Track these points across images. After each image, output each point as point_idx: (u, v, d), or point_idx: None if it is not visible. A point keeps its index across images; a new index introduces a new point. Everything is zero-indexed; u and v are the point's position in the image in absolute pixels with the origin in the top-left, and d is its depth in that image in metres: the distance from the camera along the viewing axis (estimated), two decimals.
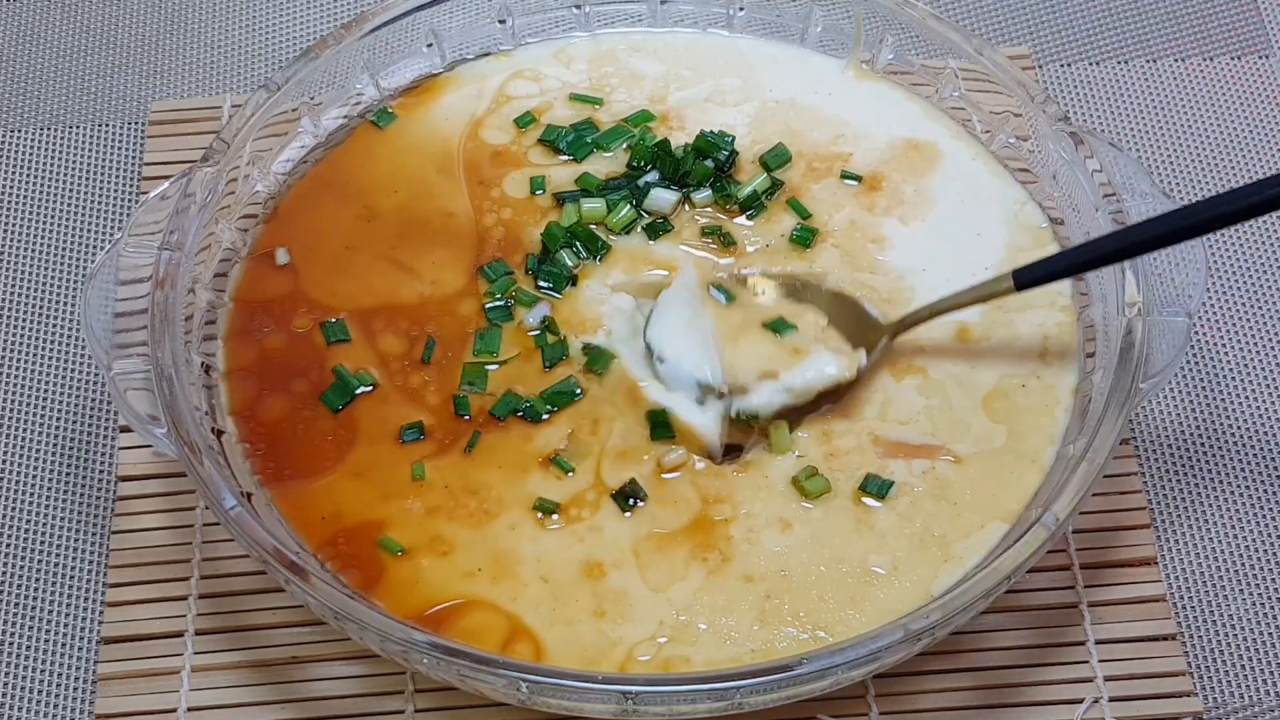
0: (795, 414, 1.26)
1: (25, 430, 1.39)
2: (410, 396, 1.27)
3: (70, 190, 1.53)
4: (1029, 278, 1.23)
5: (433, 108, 1.44)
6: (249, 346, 1.30)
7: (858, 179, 1.38)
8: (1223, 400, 1.40)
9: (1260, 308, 1.45)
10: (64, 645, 1.28)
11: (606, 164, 1.40)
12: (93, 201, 1.53)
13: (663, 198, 1.36)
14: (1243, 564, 1.32)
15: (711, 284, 1.31)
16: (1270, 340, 1.43)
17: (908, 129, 1.41)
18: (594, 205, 1.36)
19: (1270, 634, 1.28)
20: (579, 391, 1.27)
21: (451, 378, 1.28)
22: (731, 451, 1.26)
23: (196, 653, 1.26)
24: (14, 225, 1.51)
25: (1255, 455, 1.37)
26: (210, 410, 1.25)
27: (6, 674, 1.27)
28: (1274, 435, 1.38)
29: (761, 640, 1.16)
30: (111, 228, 1.51)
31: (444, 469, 1.24)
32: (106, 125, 1.58)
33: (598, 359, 1.28)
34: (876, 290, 1.32)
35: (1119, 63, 1.62)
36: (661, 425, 1.25)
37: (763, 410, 1.25)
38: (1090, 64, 1.62)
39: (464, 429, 1.25)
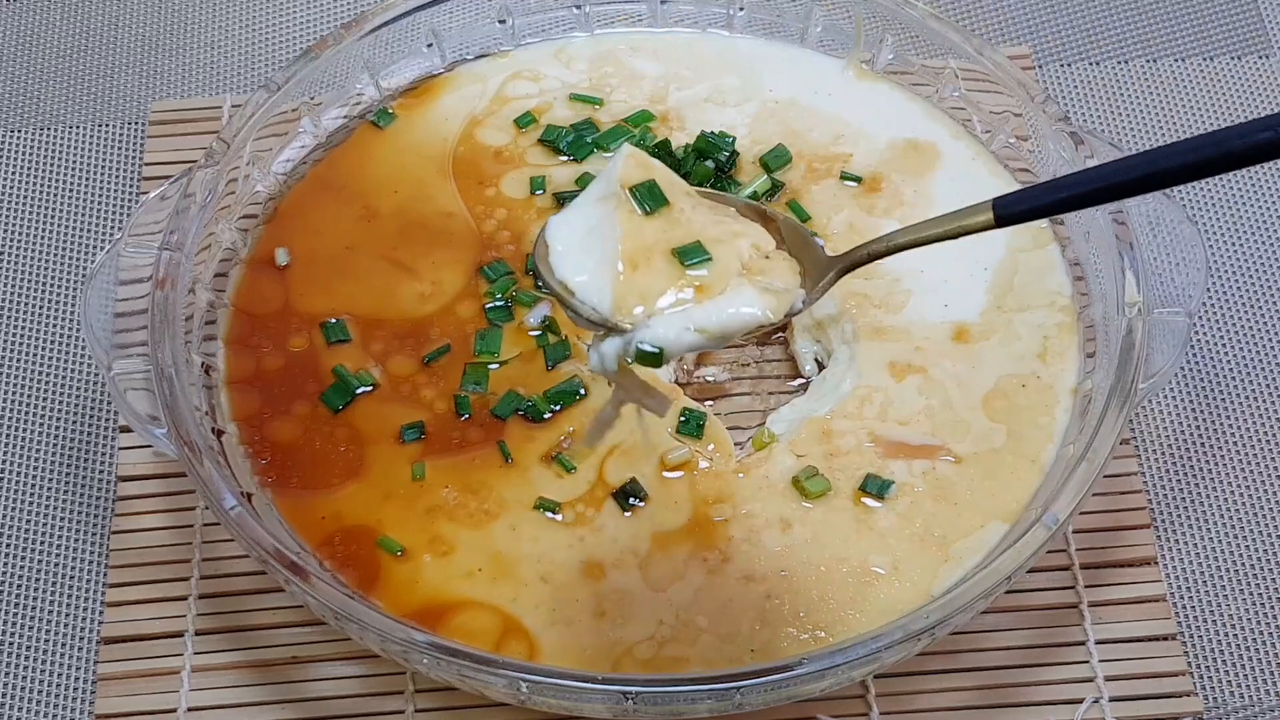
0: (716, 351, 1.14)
1: (25, 430, 1.39)
2: (410, 396, 1.27)
3: (70, 190, 1.53)
4: (1011, 210, 1.03)
5: (433, 108, 1.44)
6: (249, 357, 1.29)
7: (858, 180, 1.38)
8: (1223, 400, 1.40)
9: (1260, 308, 1.45)
10: (64, 645, 1.28)
11: (606, 164, 1.40)
12: (93, 201, 1.53)
13: None
14: (1243, 564, 1.32)
15: (634, 187, 1.08)
16: (1270, 340, 1.43)
17: (908, 129, 1.41)
18: None
19: (1270, 634, 1.28)
20: (582, 391, 1.27)
21: (452, 378, 1.28)
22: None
23: (196, 653, 1.26)
24: (14, 225, 1.51)
25: (1255, 455, 1.37)
26: (210, 411, 1.25)
27: (6, 674, 1.27)
28: (1274, 435, 1.38)
29: (761, 640, 1.16)
30: (111, 228, 1.51)
31: (444, 469, 1.24)
32: (106, 125, 1.58)
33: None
34: (870, 296, 1.32)
35: (1119, 63, 1.62)
36: (693, 424, 1.25)
37: (670, 349, 1.05)
38: (1090, 64, 1.62)
39: (466, 430, 1.25)
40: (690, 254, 1.06)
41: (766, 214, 1.14)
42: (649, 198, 1.08)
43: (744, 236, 1.09)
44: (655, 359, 1.04)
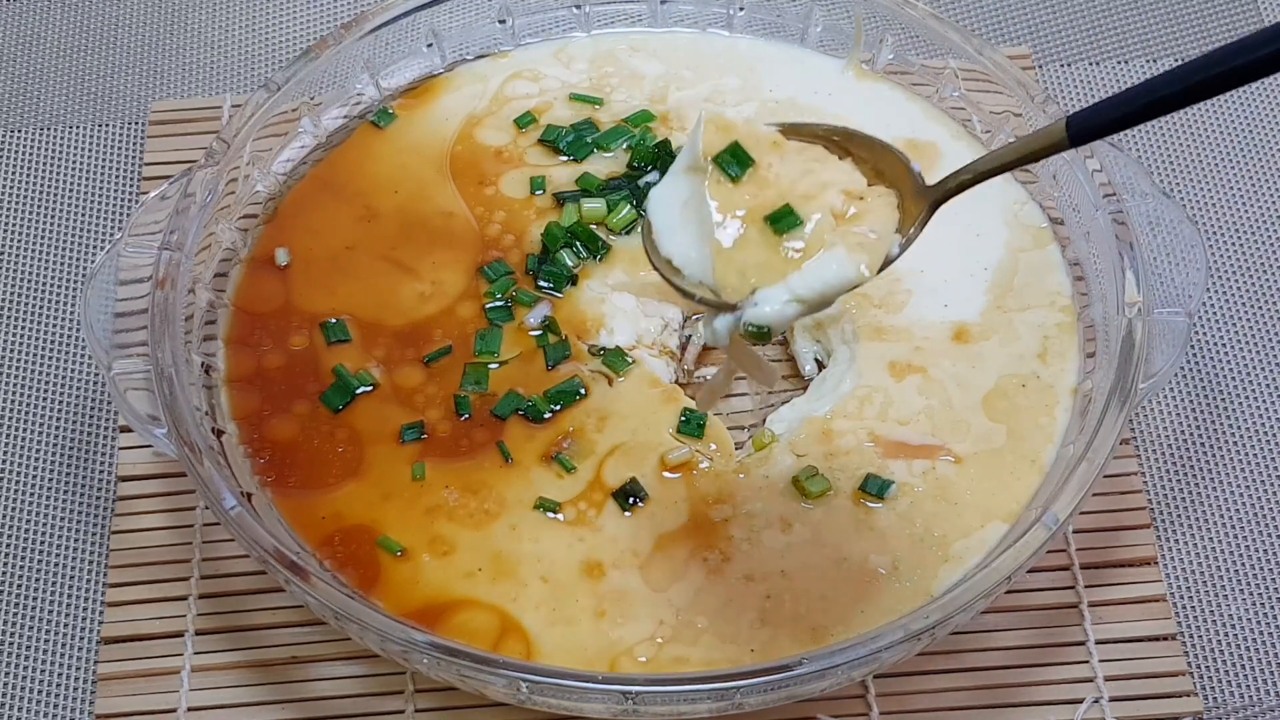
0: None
1: (25, 430, 1.39)
2: (411, 396, 1.27)
3: (70, 190, 1.53)
4: (1089, 125, 0.97)
5: (433, 108, 1.44)
6: (249, 356, 1.30)
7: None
8: (1223, 400, 1.40)
9: (1260, 308, 1.45)
10: (64, 645, 1.28)
11: (606, 164, 1.40)
12: (93, 201, 1.53)
13: None
14: (1243, 564, 1.32)
15: (718, 156, 1.06)
16: (1270, 340, 1.43)
17: (908, 129, 1.41)
18: (594, 205, 1.36)
19: (1270, 634, 1.29)
20: (582, 391, 1.27)
21: (452, 378, 1.28)
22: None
23: (196, 653, 1.26)
24: (14, 225, 1.51)
25: (1255, 455, 1.37)
26: (210, 411, 1.25)
27: (6, 674, 1.27)
28: (1274, 435, 1.38)
29: (761, 640, 1.16)
30: (111, 228, 1.51)
31: (444, 469, 1.24)
32: (106, 125, 1.58)
33: (615, 360, 1.28)
34: (869, 296, 1.32)
35: (1119, 63, 1.62)
36: (693, 424, 1.25)
37: (775, 324, 1.05)
38: (1090, 64, 1.62)
39: (466, 430, 1.25)
40: (782, 220, 1.04)
41: (854, 138, 1.09)
42: (734, 163, 1.05)
43: (833, 186, 1.06)
44: (764, 336, 1.05)
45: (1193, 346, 1.42)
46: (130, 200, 1.53)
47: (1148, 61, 1.62)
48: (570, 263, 1.33)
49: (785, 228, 1.04)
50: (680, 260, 1.07)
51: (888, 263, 1.05)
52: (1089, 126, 0.97)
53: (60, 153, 1.56)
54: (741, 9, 1.47)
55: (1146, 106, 0.95)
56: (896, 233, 1.06)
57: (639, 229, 1.31)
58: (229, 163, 1.33)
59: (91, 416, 1.39)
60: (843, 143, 1.09)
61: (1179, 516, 1.34)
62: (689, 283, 1.06)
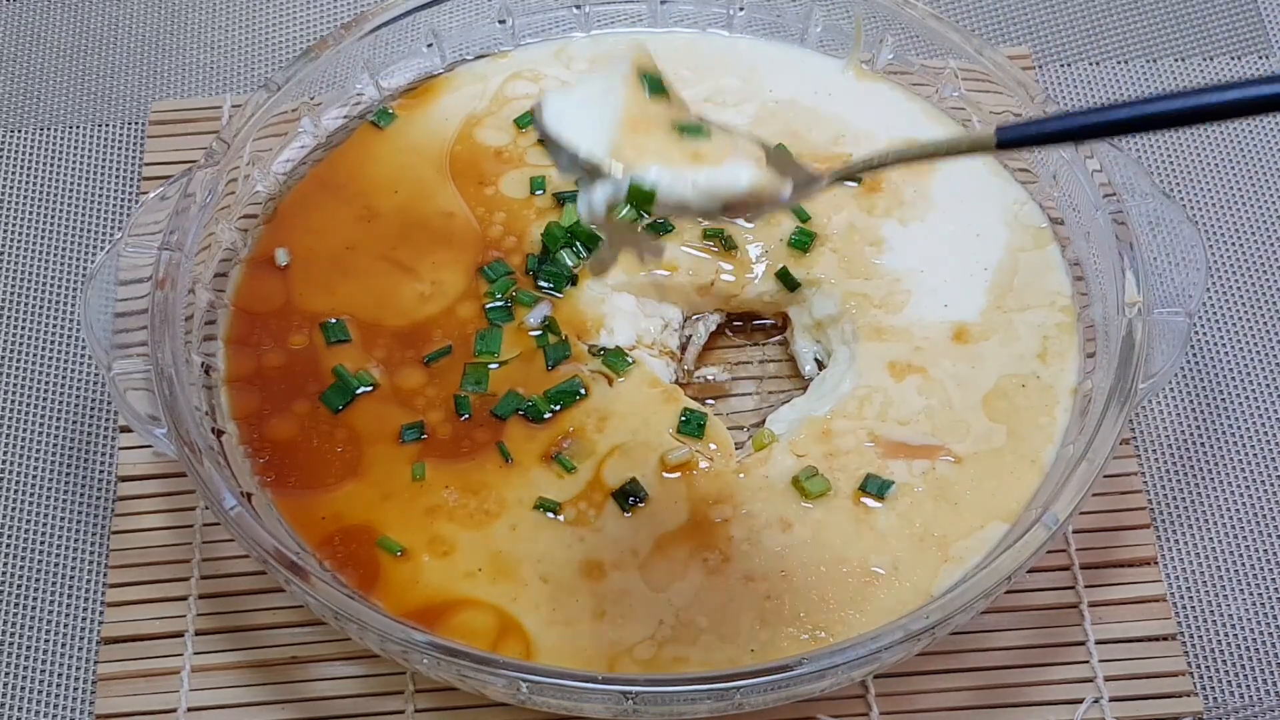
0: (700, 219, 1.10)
1: (25, 430, 1.39)
2: (410, 396, 1.27)
3: (70, 190, 1.53)
4: (1013, 135, 0.99)
5: (433, 108, 1.44)
6: (249, 356, 1.29)
7: (858, 180, 1.38)
8: (1223, 400, 1.40)
9: (1260, 308, 1.45)
10: (64, 645, 1.28)
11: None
12: (93, 201, 1.53)
13: None
14: (1243, 564, 1.32)
15: (645, 72, 1.05)
16: (1270, 340, 1.43)
17: (908, 129, 1.41)
18: None
19: (1270, 634, 1.29)
20: (582, 391, 1.27)
21: (452, 378, 1.28)
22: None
23: (196, 653, 1.26)
24: (14, 225, 1.51)
25: (1255, 455, 1.37)
26: (210, 411, 1.25)
27: (6, 674, 1.27)
28: (1274, 435, 1.38)
29: (761, 640, 1.16)
30: (111, 228, 1.51)
31: (444, 469, 1.24)
32: (106, 125, 1.58)
33: (615, 360, 1.28)
34: (869, 297, 1.32)
35: (1119, 63, 1.62)
36: (693, 424, 1.25)
37: (663, 192, 1.01)
38: (1090, 64, 1.62)
39: (467, 430, 1.25)
40: (690, 129, 1.02)
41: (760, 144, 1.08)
42: (657, 85, 1.04)
43: (739, 138, 1.04)
44: (648, 197, 1.01)
45: (1193, 346, 1.42)
46: (130, 200, 1.53)
47: (1147, 61, 1.62)
48: (570, 263, 1.33)
49: (691, 133, 1.02)
50: (569, 139, 1.04)
51: (772, 205, 1.03)
52: (1015, 136, 0.99)
53: (60, 153, 1.56)
54: (741, 9, 1.47)
55: (1071, 130, 0.98)
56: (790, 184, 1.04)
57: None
58: (229, 163, 1.33)
59: (91, 416, 1.39)
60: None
61: (1179, 516, 1.34)
62: (575, 149, 1.03)
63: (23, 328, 1.45)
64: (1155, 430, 1.38)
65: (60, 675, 1.27)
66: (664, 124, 1.04)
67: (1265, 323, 1.44)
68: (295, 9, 1.68)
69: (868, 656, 1.09)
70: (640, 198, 1.01)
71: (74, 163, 1.55)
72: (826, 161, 1.39)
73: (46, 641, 1.28)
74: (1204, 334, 1.43)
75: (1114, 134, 0.98)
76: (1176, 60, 1.62)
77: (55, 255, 1.49)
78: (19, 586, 1.31)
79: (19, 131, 1.58)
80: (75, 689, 1.26)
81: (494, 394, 1.27)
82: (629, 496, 1.22)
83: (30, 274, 1.48)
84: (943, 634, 1.14)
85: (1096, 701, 1.24)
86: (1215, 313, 1.45)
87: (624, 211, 1.02)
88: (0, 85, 1.61)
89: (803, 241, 1.34)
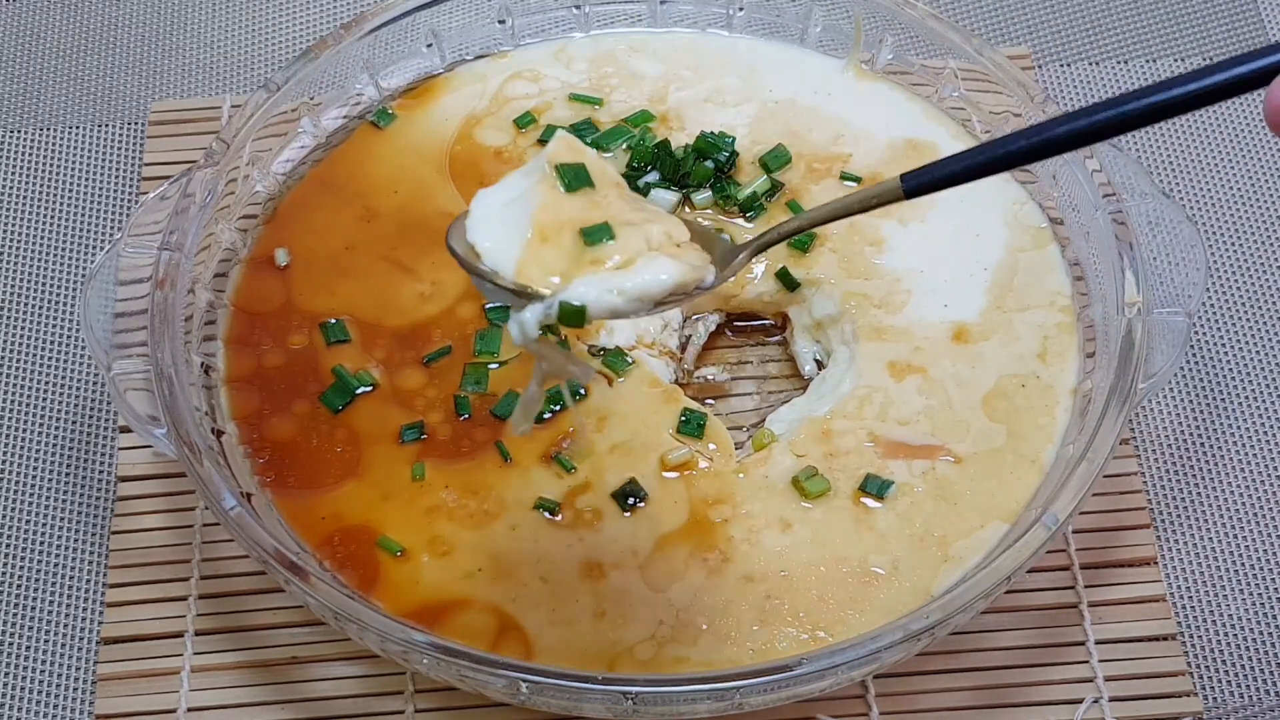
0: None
1: (25, 430, 1.39)
2: (410, 397, 1.27)
3: (70, 190, 1.53)
4: (918, 181, 1.01)
5: (432, 108, 1.44)
6: (249, 356, 1.29)
7: (858, 180, 1.38)
8: (1223, 400, 1.40)
9: (1260, 308, 1.45)
10: (64, 645, 1.28)
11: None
12: (93, 201, 1.53)
13: (663, 198, 1.36)
14: (1243, 564, 1.32)
15: (561, 165, 1.04)
16: (1270, 340, 1.43)
17: (908, 129, 1.41)
18: None
19: (1270, 634, 1.29)
20: (582, 391, 1.27)
21: (452, 378, 1.28)
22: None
23: (196, 653, 1.26)
24: (14, 225, 1.51)
25: (1255, 455, 1.37)
26: (210, 411, 1.25)
27: (6, 674, 1.27)
28: (1274, 435, 1.38)
29: (761, 640, 1.16)
30: (111, 228, 1.51)
31: (444, 469, 1.24)
32: (106, 125, 1.58)
33: (615, 360, 1.28)
34: (869, 296, 1.32)
35: (1119, 63, 1.62)
36: (693, 424, 1.25)
37: (593, 308, 1.01)
38: (1090, 64, 1.62)
39: (466, 430, 1.25)
40: (595, 234, 1.02)
41: (687, 221, 1.09)
42: (574, 177, 1.04)
43: (658, 222, 1.05)
44: (579, 316, 1.00)
45: (1193, 346, 1.42)
46: (130, 200, 1.53)
47: (1147, 61, 1.62)
48: None
49: (595, 239, 1.01)
50: (483, 248, 1.03)
51: (702, 287, 1.04)
52: (920, 182, 1.00)
53: (60, 153, 1.56)
54: (741, 9, 1.47)
55: (969, 168, 0.99)
56: (712, 264, 1.05)
57: None
58: (229, 163, 1.33)
59: (91, 416, 1.39)
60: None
61: (1179, 516, 1.34)
62: (496, 275, 1.03)
63: (23, 328, 1.45)
64: (1155, 430, 1.38)
65: (60, 675, 1.27)
66: (574, 229, 1.02)
67: (1265, 323, 1.44)
68: (295, 9, 1.68)
69: (868, 656, 1.09)
70: (572, 317, 1.01)
71: (74, 163, 1.55)
72: (826, 162, 1.39)
73: (46, 641, 1.28)
74: (1204, 334, 1.43)
75: (1016, 164, 0.98)
76: (1176, 60, 1.62)
77: (55, 255, 1.49)
78: (19, 586, 1.31)
79: (19, 131, 1.58)
80: (75, 689, 1.26)
81: (494, 394, 1.27)
82: (629, 496, 1.22)
83: (30, 274, 1.48)
84: (943, 634, 1.14)
85: (1096, 701, 1.24)
86: (1215, 313, 1.45)
87: (554, 332, 1.03)
88: (0, 85, 1.61)
89: (802, 241, 1.34)
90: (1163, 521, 1.33)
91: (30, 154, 1.56)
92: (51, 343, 1.44)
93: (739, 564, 1.19)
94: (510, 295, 1.03)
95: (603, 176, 1.06)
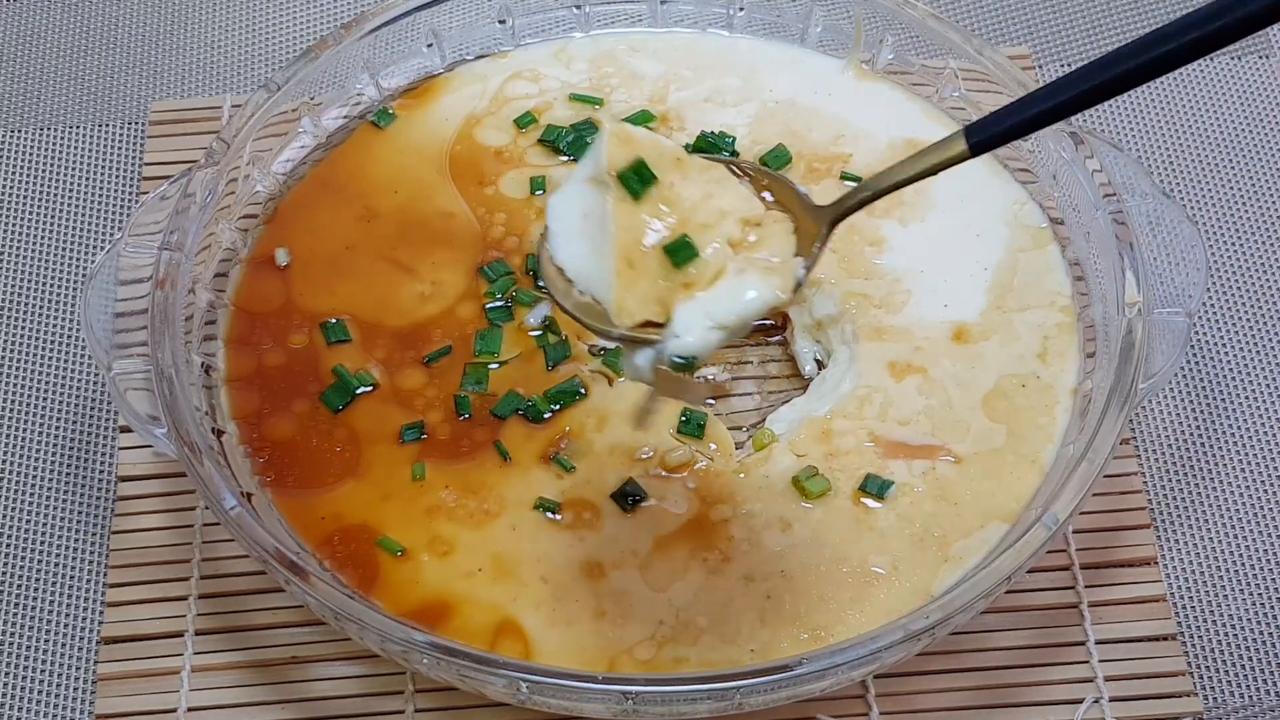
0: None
1: (25, 430, 1.39)
2: (410, 396, 1.27)
3: (70, 190, 1.53)
4: (985, 135, 1.00)
5: (433, 108, 1.44)
6: (249, 356, 1.29)
7: (858, 180, 1.38)
8: (1223, 400, 1.40)
9: (1260, 308, 1.45)
10: (64, 645, 1.28)
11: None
12: (93, 201, 1.53)
13: None
14: (1243, 564, 1.32)
15: (622, 172, 1.03)
16: (1270, 340, 1.43)
17: (908, 129, 1.41)
18: None
19: (1270, 634, 1.28)
20: (582, 391, 1.27)
21: (452, 378, 1.28)
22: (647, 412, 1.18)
23: (196, 653, 1.26)
24: (14, 225, 1.51)
25: (1255, 455, 1.37)
26: (210, 411, 1.25)
27: (6, 674, 1.27)
28: (1274, 435, 1.38)
29: (761, 640, 1.16)
30: (111, 228, 1.51)
31: (444, 469, 1.24)
32: (106, 125, 1.58)
33: (615, 360, 1.28)
34: (870, 296, 1.32)
35: None
36: (693, 424, 1.25)
37: (701, 353, 1.04)
38: None
39: (466, 430, 1.25)
40: (680, 254, 1.03)
41: (754, 172, 1.10)
42: (637, 180, 1.03)
43: (731, 215, 1.05)
44: (690, 366, 1.03)
45: (1193, 346, 1.42)
46: (130, 200, 1.53)
47: None
48: None
49: (682, 260, 1.02)
50: (573, 272, 1.05)
51: (797, 285, 1.05)
52: (988, 135, 1.00)
53: (60, 153, 1.56)
54: (741, 9, 1.47)
55: (1039, 116, 0.98)
56: (797, 256, 1.05)
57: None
58: (229, 163, 1.33)
59: (91, 416, 1.39)
60: (746, 173, 1.09)
61: (1179, 516, 1.34)
62: (584, 307, 1.05)
63: (23, 328, 1.45)
64: (1155, 430, 1.38)
65: (60, 675, 1.27)
66: (656, 249, 1.03)
67: (1265, 323, 1.44)
68: (295, 9, 1.68)
69: (868, 656, 1.09)
70: (683, 368, 1.04)
71: (74, 163, 1.55)
72: (826, 162, 1.39)
73: (46, 641, 1.28)
74: (1204, 334, 1.43)
75: (1080, 109, 0.97)
76: None
77: (55, 255, 1.49)
78: (19, 586, 1.31)
79: (19, 131, 1.58)
80: (75, 689, 1.26)
81: (494, 394, 1.27)
82: (629, 496, 1.22)
83: (30, 274, 1.48)
84: (943, 634, 1.14)
85: (1096, 701, 1.24)
86: (1215, 313, 1.45)
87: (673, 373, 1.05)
88: (0, 85, 1.61)
89: None
90: (1163, 521, 1.33)
91: (30, 154, 1.56)
92: (52, 343, 1.44)
93: (739, 564, 1.19)
94: (623, 340, 1.04)
95: (661, 159, 1.05)
